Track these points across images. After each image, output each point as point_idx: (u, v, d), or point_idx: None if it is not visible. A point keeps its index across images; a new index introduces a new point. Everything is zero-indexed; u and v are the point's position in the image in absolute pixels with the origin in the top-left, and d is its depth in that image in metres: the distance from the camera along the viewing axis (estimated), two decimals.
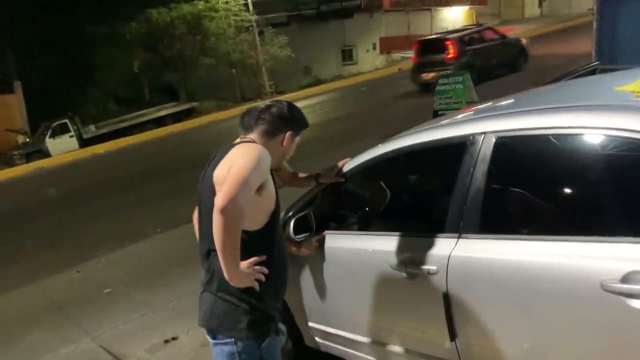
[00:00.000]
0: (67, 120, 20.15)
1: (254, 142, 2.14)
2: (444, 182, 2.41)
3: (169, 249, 6.71)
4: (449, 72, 11.46)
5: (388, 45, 30.31)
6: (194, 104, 23.74)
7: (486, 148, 2.26)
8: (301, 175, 2.84)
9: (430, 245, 2.39)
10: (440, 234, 2.38)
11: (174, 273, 5.71)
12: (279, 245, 2.20)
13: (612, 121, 1.92)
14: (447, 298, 2.31)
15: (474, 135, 2.33)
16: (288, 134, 2.26)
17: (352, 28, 29.55)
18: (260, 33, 25.44)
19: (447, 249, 2.32)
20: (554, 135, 2.07)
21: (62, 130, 20.03)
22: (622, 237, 1.84)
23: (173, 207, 8.15)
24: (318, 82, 27.16)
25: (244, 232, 1.95)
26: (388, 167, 2.87)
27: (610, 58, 7.25)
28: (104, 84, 24.60)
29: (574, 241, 1.94)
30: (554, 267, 1.96)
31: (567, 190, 2.15)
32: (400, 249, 2.51)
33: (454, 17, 33.83)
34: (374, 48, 30.50)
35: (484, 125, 2.33)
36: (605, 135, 1.95)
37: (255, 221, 2.04)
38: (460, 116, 2.82)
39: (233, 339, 2.04)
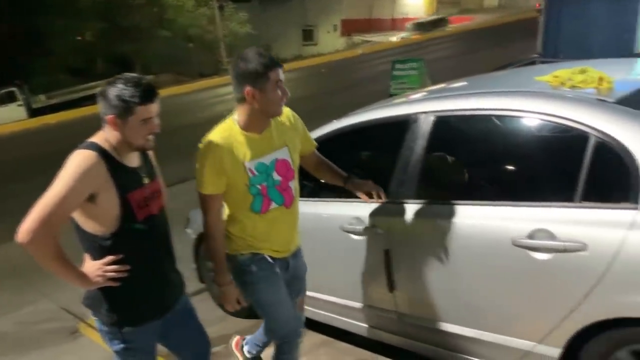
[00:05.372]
0: (14, 89, 19.50)
1: (90, 146, 1.94)
2: (391, 155, 2.73)
3: None
4: (404, 58, 11.85)
5: (349, 28, 30.55)
6: (150, 77, 23.31)
7: (425, 125, 2.59)
8: (331, 168, 2.62)
9: (376, 210, 2.71)
10: (389, 199, 2.70)
11: None
12: (151, 242, 2.09)
13: (528, 105, 2.29)
14: (387, 255, 2.66)
15: (416, 114, 2.66)
16: (247, 89, 2.12)
17: (314, 8, 29.58)
18: (220, 8, 25.16)
19: (389, 212, 2.66)
20: (480, 115, 2.44)
21: (10, 98, 19.39)
22: (529, 202, 2.22)
23: None
24: (283, 60, 27.18)
25: (95, 237, 1.96)
26: (343, 141, 3.17)
27: (554, 51, 7.77)
28: (55, 54, 23.79)
29: (492, 205, 2.32)
30: (476, 227, 2.33)
31: (489, 163, 2.51)
32: (351, 213, 2.83)
33: (415, 3, 34.34)
34: (335, 29, 30.67)
35: (425, 106, 2.67)
36: (521, 116, 2.33)
37: (101, 227, 1.96)
38: (407, 97, 3.15)
39: (100, 320, 2.09)
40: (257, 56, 2.11)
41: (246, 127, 2.21)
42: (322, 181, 2.75)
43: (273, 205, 2.29)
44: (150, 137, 1.99)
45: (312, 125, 2.98)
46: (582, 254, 2.03)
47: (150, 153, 2.17)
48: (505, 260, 2.24)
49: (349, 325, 3.09)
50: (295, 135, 2.38)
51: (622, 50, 6.57)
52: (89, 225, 1.96)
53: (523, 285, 2.22)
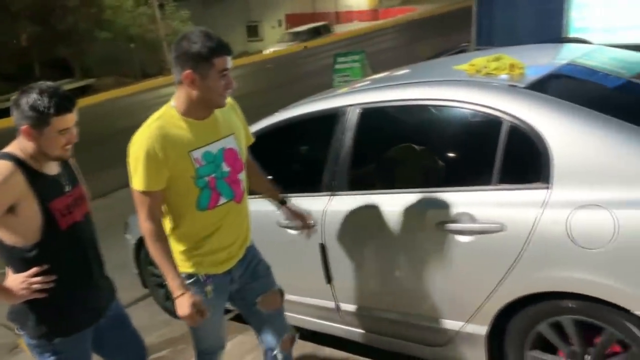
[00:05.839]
0: None
1: (4, 156, 1.88)
2: (322, 148, 2.77)
3: None
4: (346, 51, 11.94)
5: (294, 22, 30.49)
6: (91, 80, 22.64)
7: (352, 118, 2.64)
8: (265, 179, 2.45)
9: (310, 203, 2.74)
10: (318, 193, 2.74)
11: None
12: (76, 250, 2.03)
13: (445, 93, 2.37)
14: (323, 247, 2.70)
15: (344, 107, 2.70)
16: (187, 73, 1.89)
17: (257, 4, 29.40)
18: (161, 6, 24.64)
19: (322, 205, 2.69)
20: (402, 106, 2.52)
21: None
22: (451, 187, 2.30)
23: None
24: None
25: (17, 249, 1.91)
26: (277, 137, 3.18)
27: (487, 40, 8.01)
28: None
29: (418, 192, 2.38)
30: (403, 214, 2.39)
31: (414, 151, 2.58)
32: None
33: None
34: (280, 25, 30.57)
35: (352, 99, 2.71)
36: (440, 105, 2.41)
37: (23, 238, 1.90)
38: (338, 90, 3.19)
39: (25, 333, 2.05)
40: (203, 38, 1.86)
41: (186, 113, 1.96)
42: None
43: (222, 200, 2.05)
44: (68, 147, 1.94)
45: (256, 119, 2.96)
46: (501, 234, 2.12)
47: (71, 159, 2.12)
48: (431, 244, 2.32)
49: (296, 320, 3.10)
50: (239, 123, 2.19)
51: (551, 35, 6.86)
52: (10, 238, 1.90)
53: (449, 268, 2.30)
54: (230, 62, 1.92)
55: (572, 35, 7.05)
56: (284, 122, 3.03)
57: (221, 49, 1.88)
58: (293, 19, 30.37)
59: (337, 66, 9.65)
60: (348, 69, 9.54)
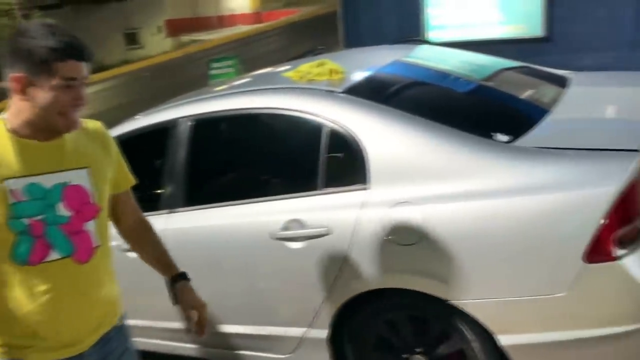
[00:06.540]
0: None
1: None
2: (159, 164, 2.66)
3: None
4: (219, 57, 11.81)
5: (175, 28, 29.65)
6: None
7: (184, 131, 2.56)
8: (160, 257, 1.86)
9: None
10: (157, 211, 2.62)
11: None
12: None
13: (270, 102, 2.38)
14: None
15: (175, 119, 2.62)
16: (16, 76, 1.39)
17: (134, 11, 28.19)
18: (25, 17, 22.83)
19: (161, 223, 2.58)
20: (229, 116, 2.49)
21: None
22: (281, 195, 2.30)
23: None
24: (102, 68, 25.49)
25: None
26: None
27: (356, 41, 8.26)
28: None
29: (250, 203, 2.36)
30: (238, 226, 2.35)
31: (242, 162, 2.56)
32: None
33: None
34: (160, 31, 29.57)
35: (181, 111, 2.63)
36: (266, 113, 2.41)
37: None
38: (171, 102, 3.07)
39: None
40: (46, 33, 1.37)
41: (19, 129, 1.43)
42: None
43: (53, 254, 1.44)
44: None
45: None
46: (328, 238, 2.14)
47: None
48: (267, 254, 2.30)
49: (149, 345, 2.97)
50: (105, 159, 1.59)
51: (411, 34, 7.21)
52: None
53: (285, 276, 2.30)
54: (84, 70, 1.41)
55: (429, 32, 7.49)
56: (121, 137, 2.87)
57: (69, 50, 1.38)
58: (174, 25, 29.48)
59: (212, 72, 9.51)
60: (223, 74, 9.42)
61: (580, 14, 6.44)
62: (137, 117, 2.97)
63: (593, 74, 2.86)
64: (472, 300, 1.92)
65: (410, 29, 7.51)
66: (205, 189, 2.64)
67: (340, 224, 2.12)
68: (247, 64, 9.83)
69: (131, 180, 1.74)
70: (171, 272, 1.82)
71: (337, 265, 2.14)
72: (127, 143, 2.81)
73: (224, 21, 32.69)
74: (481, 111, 2.32)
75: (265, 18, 32.13)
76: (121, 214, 1.73)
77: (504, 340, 1.91)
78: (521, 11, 6.83)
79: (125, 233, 1.79)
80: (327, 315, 2.24)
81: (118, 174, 1.66)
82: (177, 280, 1.80)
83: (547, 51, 6.28)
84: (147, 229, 1.83)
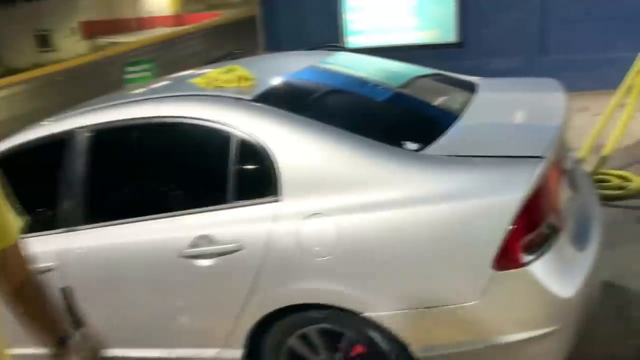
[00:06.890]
0: None
1: None
2: (54, 179, 2.44)
3: None
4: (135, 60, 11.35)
5: (92, 30, 28.32)
6: None
7: (81, 142, 2.36)
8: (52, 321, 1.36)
9: (45, 243, 2.39)
10: (53, 231, 2.41)
11: None
12: None
13: (174, 110, 2.24)
14: (65, 293, 2.37)
15: (72, 130, 2.41)
16: None
17: (45, 12, 26.64)
18: None
19: (59, 243, 2.37)
20: (130, 126, 2.31)
21: None
22: (188, 210, 2.16)
23: None
24: (10, 72, 23.84)
25: None
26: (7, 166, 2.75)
27: (276, 45, 8.17)
28: None
29: (154, 219, 2.20)
30: (143, 244, 2.19)
31: (146, 176, 2.40)
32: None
33: (159, 0, 33.25)
34: (74, 33, 28.14)
35: (78, 121, 2.43)
36: (170, 123, 2.25)
37: None
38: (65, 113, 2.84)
39: None
40: None
41: None
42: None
43: None
44: None
45: None
46: (240, 253, 2.04)
47: None
48: (175, 274, 2.16)
49: None
50: None
51: (331, 39, 7.22)
52: None
53: (196, 296, 2.17)
54: None
55: (348, 38, 7.54)
56: (9, 151, 2.61)
57: None
58: (90, 27, 28.12)
59: (128, 76, 9.08)
60: (140, 78, 9.02)
61: (490, 20, 6.71)
62: (43, 122, 2.72)
63: (500, 80, 2.93)
64: (386, 312, 1.88)
65: (330, 34, 7.53)
66: (107, 205, 2.45)
67: (252, 239, 2.02)
68: (166, 68, 9.46)
69: (12, 235, 1.25)
70: (62, 335, 1.37)
71: (250, 282, 2.04)
72: (19, 156, 2.59)
73: (143, 23, 31.57)
74: (393, 119, 2.30)
75: (187, 21, 31.38)
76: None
77: (419, 351, 1.89)
78: (435, 17, 7.02)
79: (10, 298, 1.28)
80: (240, 334, 2.13)
81: None
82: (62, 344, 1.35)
83: (460, 56, 6.49)
84: (37, 287, 1.34)
